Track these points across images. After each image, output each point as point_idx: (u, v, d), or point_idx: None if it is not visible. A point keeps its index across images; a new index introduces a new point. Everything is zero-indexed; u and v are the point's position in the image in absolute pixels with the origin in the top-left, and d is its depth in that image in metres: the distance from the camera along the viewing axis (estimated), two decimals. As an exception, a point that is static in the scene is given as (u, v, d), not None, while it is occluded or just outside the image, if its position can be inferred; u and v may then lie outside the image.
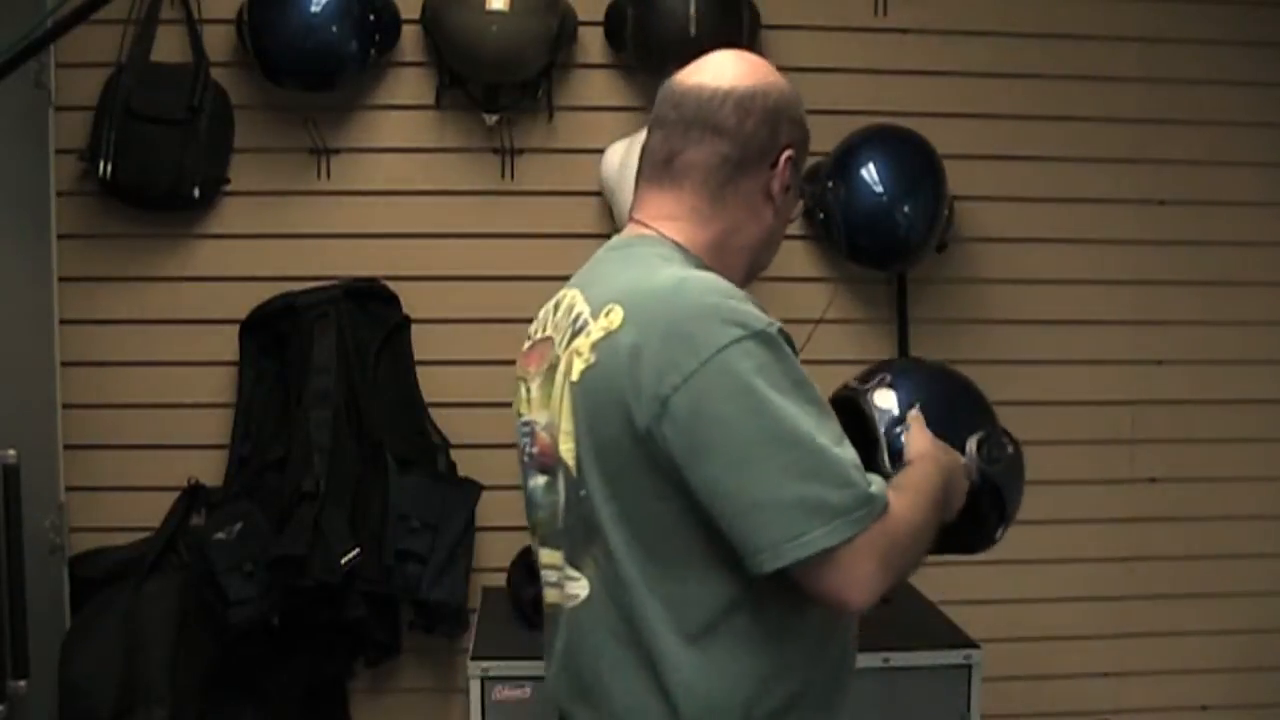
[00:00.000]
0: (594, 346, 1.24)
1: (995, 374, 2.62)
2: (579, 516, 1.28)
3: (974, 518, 1.51)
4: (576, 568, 1.29)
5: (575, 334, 1.28)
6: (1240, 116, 2.66)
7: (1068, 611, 2.67)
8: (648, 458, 1.20)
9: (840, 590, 1.18)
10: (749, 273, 1.40)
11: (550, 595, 1.37)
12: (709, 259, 1.34)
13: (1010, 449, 1.54)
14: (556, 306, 1.38)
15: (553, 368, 1.31)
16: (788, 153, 1.36)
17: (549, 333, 1.36)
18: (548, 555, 1.36)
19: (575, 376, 1.25)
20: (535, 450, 1.35)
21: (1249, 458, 2.70)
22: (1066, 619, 2.67)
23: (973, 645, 2.13)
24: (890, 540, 1.20)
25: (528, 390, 1.37)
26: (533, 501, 1.38)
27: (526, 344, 1.42)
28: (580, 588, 1.29)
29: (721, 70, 1.36)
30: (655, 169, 1.37)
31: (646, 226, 1.36)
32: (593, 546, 1.27)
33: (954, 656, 2.11)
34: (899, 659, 2.08)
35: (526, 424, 1.37)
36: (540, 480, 1.34)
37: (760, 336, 1.19)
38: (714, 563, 1.22)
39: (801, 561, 1.16)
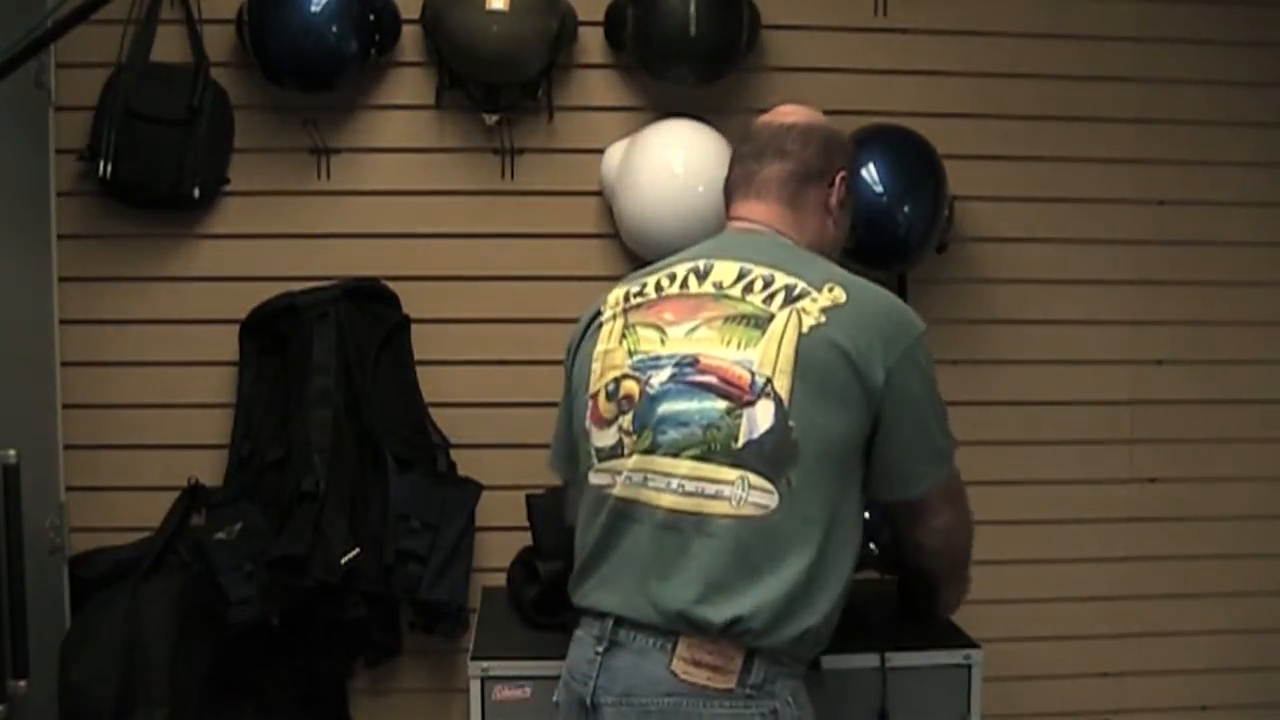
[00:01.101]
0: (823, 310, 1.58)
1: (995, 374, 2.64)
2: (781, 440, 1.54)
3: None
4: (771, 482, 1.54)
5: (795, 298, 1.59)
6: (1240, 116, 2.66)
7: (1068, 611, 2.67)
8: (868, 404, 1.58)
9: (937, 511, 1.71)
10: None
11: (684, 503, 1.56)
12: None
13: None
14: (700, 273, 1.67)
15: (746, 318, 1.59)
16: (841, 174, 1.77)
17: (698, 290, 1.65)
18: (704, 469, 1.56)
19: (805, 329, 1.57)
20: (708, 379, 1.58)
21: (1248, 458, 2.70)
22: (1066, 619, 2.67)
23: (973, 645, 2.13)
24: (959, 481, 1.74)
25: (662, 334, 1.64)
26: (683, 421, 1.57)
27: (639, 300, 1.69)
28: (769, 499, 1.54)
29: (785, 113, 1.79)
30: (740, 188, 1.76)
31: (767, 227, 1.72)
32: (789, 467, 1.54)
33: (954, 656, 2.10)
34: (899, 659, 2.07)
35: (656, 358, 1.62)
36: (720, 404, 1.56)
37: (925, 332, 1.65)
38: (859, 491, 1.63)
39: (935, 486, 1.67)
